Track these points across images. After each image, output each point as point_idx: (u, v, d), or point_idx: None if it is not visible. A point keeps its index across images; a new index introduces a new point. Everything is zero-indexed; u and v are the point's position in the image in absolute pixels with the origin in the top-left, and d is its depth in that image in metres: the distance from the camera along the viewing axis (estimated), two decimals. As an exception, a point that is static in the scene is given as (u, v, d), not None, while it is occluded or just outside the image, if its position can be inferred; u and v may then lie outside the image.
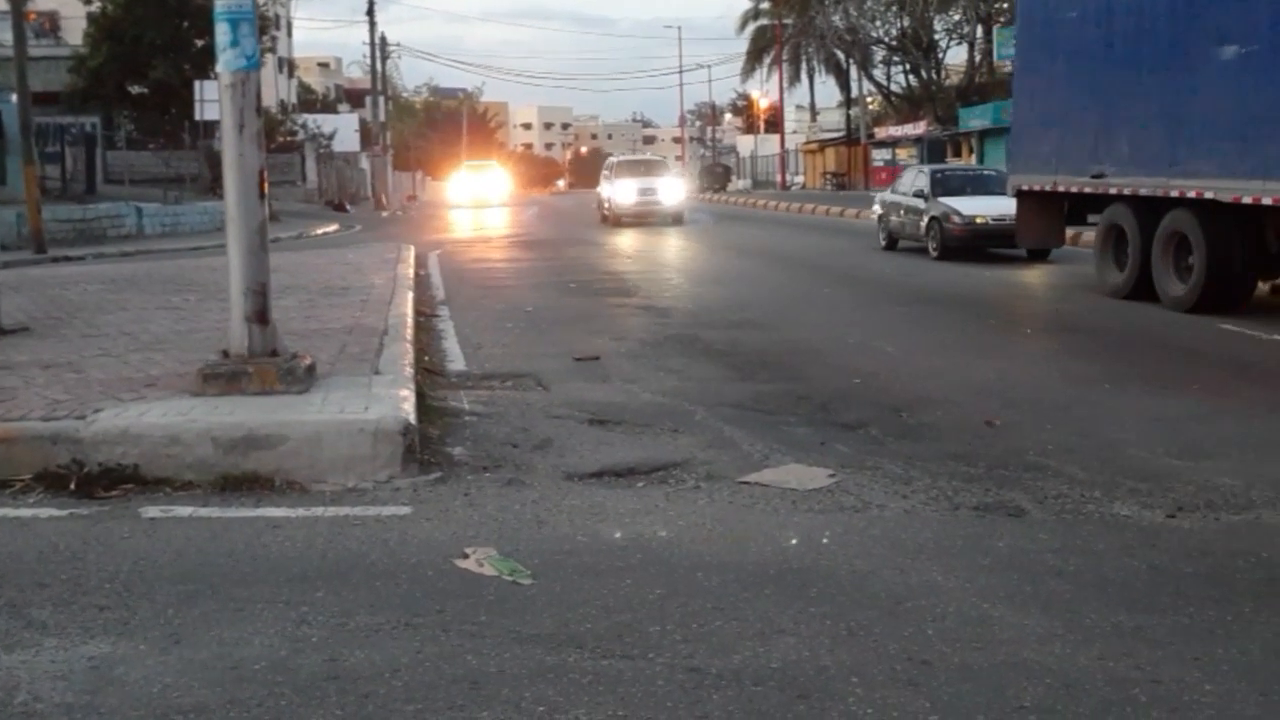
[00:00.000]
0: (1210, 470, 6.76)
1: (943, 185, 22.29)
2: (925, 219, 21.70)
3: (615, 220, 33.75)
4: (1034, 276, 18.50)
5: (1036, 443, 7.43)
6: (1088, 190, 15.61)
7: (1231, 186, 12.78)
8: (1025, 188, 17.29)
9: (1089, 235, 18.07)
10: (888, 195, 24.62)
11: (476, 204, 50.26)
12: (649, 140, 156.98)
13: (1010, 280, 17.93)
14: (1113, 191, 15.01)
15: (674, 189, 34.64)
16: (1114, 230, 15.33)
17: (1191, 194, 13.44)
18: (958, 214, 20.89)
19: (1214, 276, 13.38)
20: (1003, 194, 21.45)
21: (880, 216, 24.36)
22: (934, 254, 21.18)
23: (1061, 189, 16.31)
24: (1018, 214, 17.83)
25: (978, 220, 20.74)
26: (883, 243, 23.96)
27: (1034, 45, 17.38)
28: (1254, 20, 12.48)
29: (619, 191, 34.04)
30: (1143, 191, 14.37)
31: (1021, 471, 6.74)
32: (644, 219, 33.65)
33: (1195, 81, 13.33)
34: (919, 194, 22.37)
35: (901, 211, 23.06)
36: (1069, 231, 18.78)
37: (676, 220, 33.47)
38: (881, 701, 3.74)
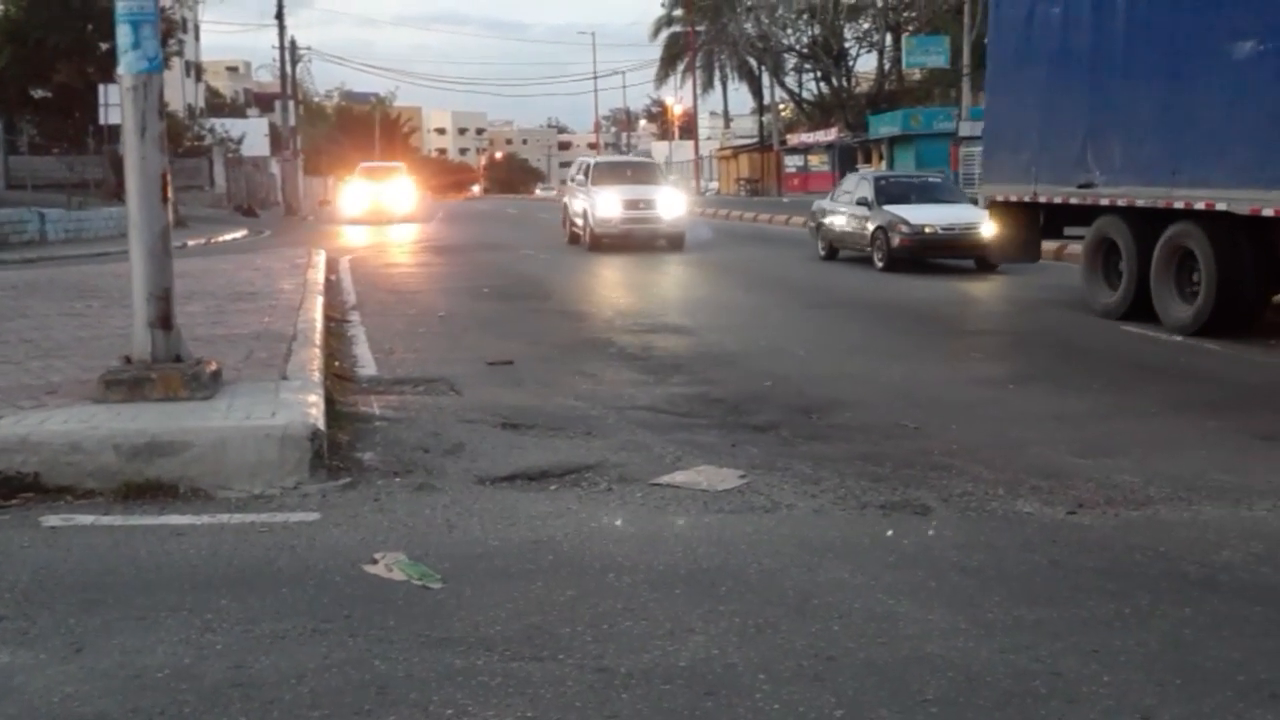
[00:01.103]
0: (1110, 468, 6.91)
1: (887, 193, 21.27)
2: (870, 228, 20.65)
3: (594, 242, 24.78)
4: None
5: (942, 442, 7.55)
6: (1073, 201, 14.31)
7: (1249, 197, 11.45)
8: (1000, 199, 16.02)
9: (1050, 246, 17.29)
10: (826, 203, 23.52)
11: (375, 216, 38.72)
12: (564, 146, 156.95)
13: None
14: (1104, 202, 13.74)
15: (673, 201, 25.48)
16: (1104, 245, 14.02)
17: (1200, 205, 12.11)
18: (905, 223, 19.92)
19: (1224, 296, 12.03)
20: (951, 202, 21.14)
21: (818, 226, 23.33)
22: (880, 265, 20.17)
23: (1043, 200, 14.96)
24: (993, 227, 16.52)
25: (927, 230, 19.85)
26: (822, 253, 22.91)
27: (1009, 45, 16.02)
28: (1275, 12, 11.23)
29: (601, 203, 24.78)
30: (1140, 203, 13.07)
31: (927, 470, 6.84)
32: (634, 241, 24.74)
33: (1203, 82, 12.06)
34: (862, 202, 21.27)
35: (843, 220, 22.01)
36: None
37: (676, 244, 24.79)
38: (788, 697, 3.78)
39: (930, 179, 24.34)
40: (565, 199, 28.58)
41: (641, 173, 27.57)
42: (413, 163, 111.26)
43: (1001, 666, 4.03)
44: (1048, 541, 5.49)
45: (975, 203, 21.84)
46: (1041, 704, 3.75)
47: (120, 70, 6.94)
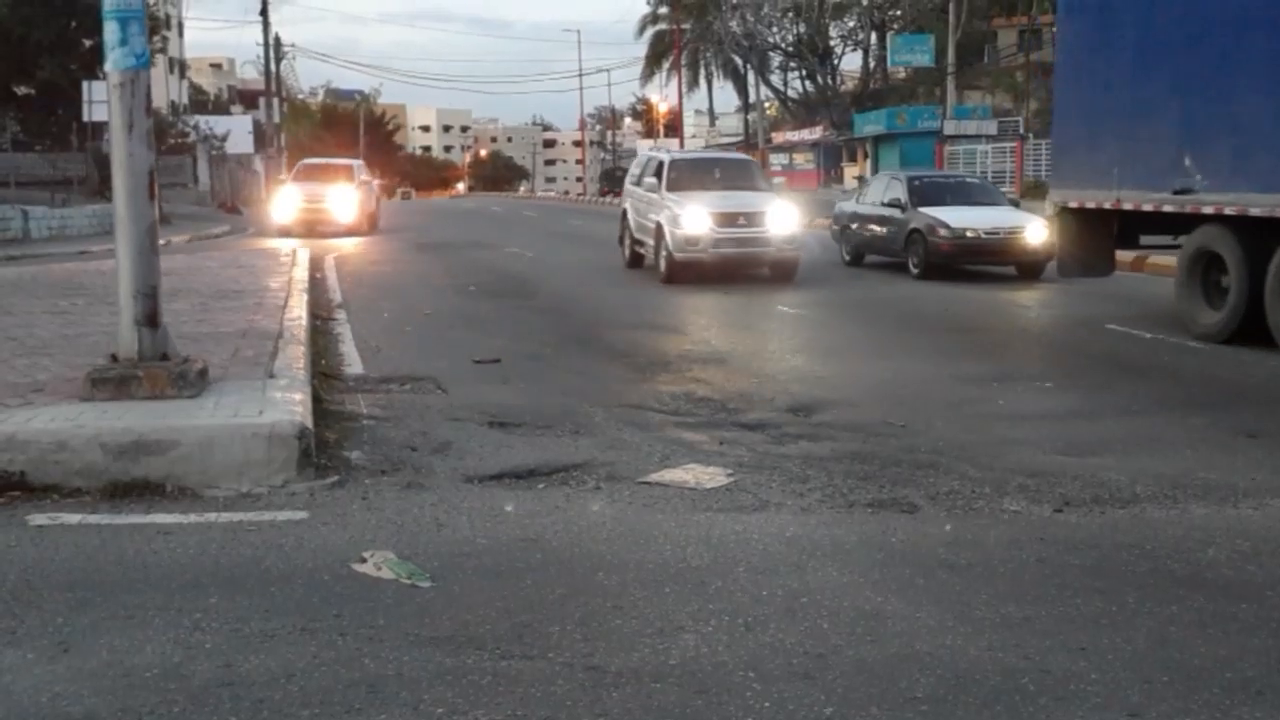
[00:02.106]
0: (1096, 466, 6.94)
1: (922, 194, 19.56)
2: (904, 232, 19.02)
3: (673, 272, 17.51)
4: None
5: (929, 441, 7.57)
6: (1167, 209, 12.39)
7: None
8: (1074, 204, 13.92)
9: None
10: (850, 205, 21.79)
11: (308, 228, 29.47)
12: (549, 144, 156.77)
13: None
14: (1207, 211, 11.96)
15: (784, 214, 17.92)
16: (1204, 259, 12.31)
17: None
18: (945, 226, 18.22)
19: None
20: (990, 204, 19.55)
21: (843, 229, 21.47)
22: (915, 271, 18.60)
23: (1128, 206, 13.02)
24: (1059, 236, 14.45)
25: (968, 234, 18.19)
26: (846, 258, 21.15)
27: (1085, 28, 13.91)
28: None
29: (687, 218, 17.44)
30: (1254, 212, 11.35)
31: (915, 469, 6.86)
32: (729, 269, 17.74)
33: None
34: (894, 204, 19.61)
35: (871, 224, 20.33)
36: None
37: (787, 273, 17.88)
38: (778, 695, 3.79)
39: (967, 179, 22.68)
40: (624, 206, 20.56)
41: (736, 173, 19.66)
42: (396, 160, 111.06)
43: (990, 664, 4.04)
44: (1035, 540, 5.51)
45: (1016, 205, 20.83)
46: (1030, 701, 3.77)
47: (108, 67, 6.92)
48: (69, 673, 4.00)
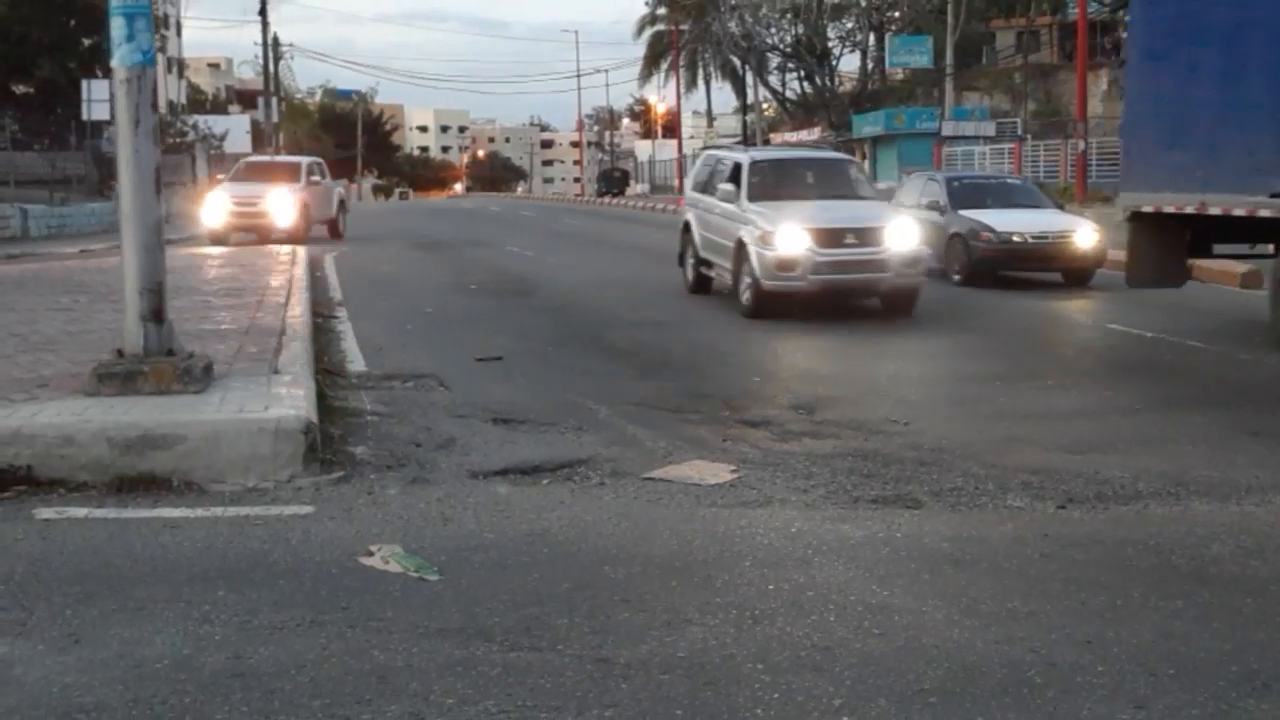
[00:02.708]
0: (1099, 463, 6.96)
1: (962, 196, 18.27)
2: (944, 236, 17.50)
3: (760, 303, 13.70)
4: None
5: (932, 438, 7.60)
6: (1263, 214, 10.97)
7: None
8: (1146, 209, 12.26)
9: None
10: None
11: (241, 232, 26.50)
12: (547, 144, 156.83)
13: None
14: None
15: (902, 230, 14.00)
16: None
17: None
18: (990, 230, 16.87)
19: None
20: (1034, 206, 18.47)
21: None
22: (956, 278, 17.18)
23: (1214, 211, 11.48)
24: (1129, 244, 12.86)
25: (1015, 238, 16.89)
26: None
27: (1163, 16, 12.45)
28: None
29: (782, 237, 13.51)
30: None
31: (918, 466, 6.88)
32: (832, 297, 14.01)
33: None
34: (933, 206, 18.20)
35: None
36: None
37: (904, 305, 14.01)
38: (787, 687, 3.81)
39: (1009, 180, 21.29)
40: (686, 218, 16.66)
41: (833, 177, 15.79)
42: (394, 160, 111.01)
43: (997, 657, 4.06)
44: (1039, 535, 5.53)
45: (1061, 208, 19.61)
46: (1038, 694, 3.79)
47: (114, 62, 6.93)
48: (79, 664, 4.01)
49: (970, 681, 3.87)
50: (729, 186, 14.83)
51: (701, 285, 15.90)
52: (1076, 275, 17.14)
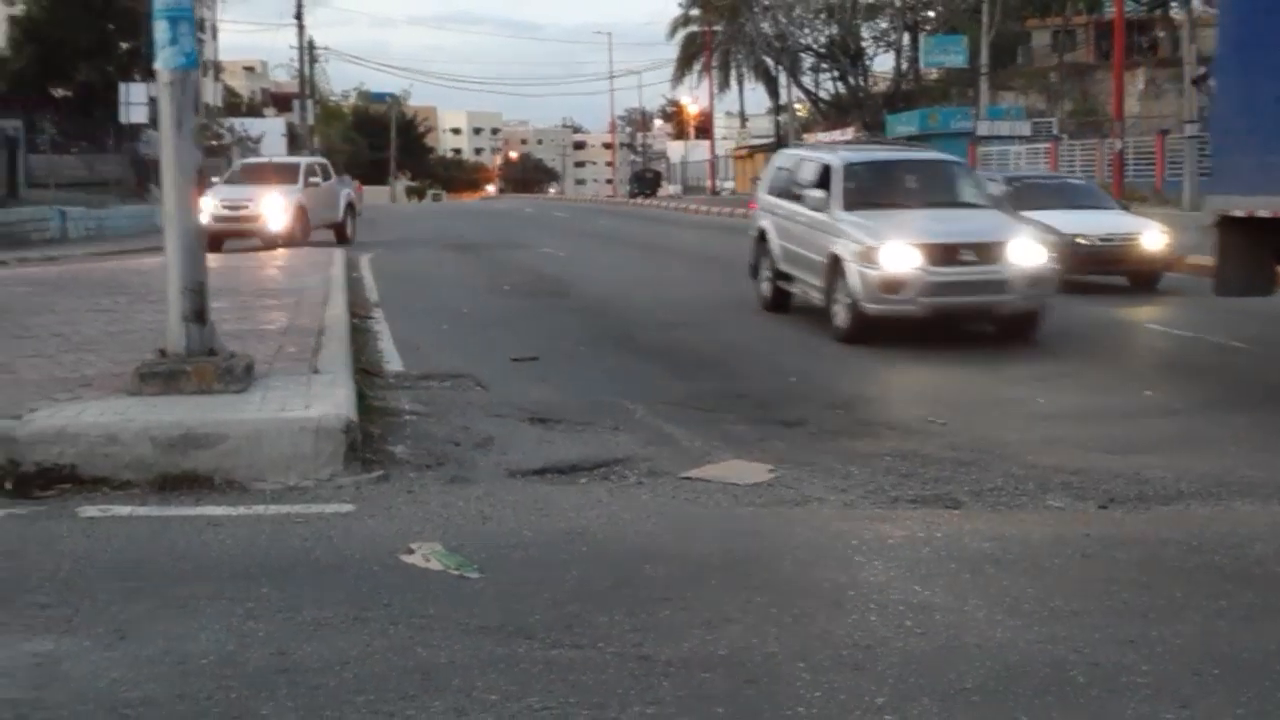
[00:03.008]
0: (1140, 464, 6.92)
1: (1023, 197, 16.57)
2: None
3: (858, 326, 11.86)
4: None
5: (971, 438, 7.57)
6: None
7: None
8: (1238, 213, 10.92)
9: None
10: None
11: (228, 237, 24.05)
12: (579, 146, 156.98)
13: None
14: None
15: (1025, 244, 12.12)
16: None
17: None
18: (1054, 233, 15.09)
19: None
20: (1099, 207, 17.37)
21: None
22: None
23: None
24: (1217, 251, 11.41)
25: (1079, 240, 15.74)
26: None
27: (1262, 2, 10.98)
28: None
29: (887, 253, 11.64)
30: None
31: (957, 467, 6.86)
32: (942, 320, 12.05)
33: None
34: None
35: None
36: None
37: (1025, 328, 12.20)
38: (829, 685, 3.80)
39: (1070, 180, 20.24)
40: (760, 224, 14.77)
41: (940, 181, 13.88)
42: (428, 162, 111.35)
43: (1039, 656, 4.05)
44: (1080, 535, 5.50)
45: (1126, 209, 18.58)
46: (1081, 693, 3.77)
47: (158, 65, 7.00)
48: (126, 660, 4.06)
49: (1013, 681, 3.85)
50: (817, 193, 12.84)
51: (779, 302, 13.97)
52: (1144, 279, 16.15)
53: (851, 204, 12.48)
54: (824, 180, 13.03)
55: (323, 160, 30.20)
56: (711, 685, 3.82)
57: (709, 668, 3.95)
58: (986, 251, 11.73)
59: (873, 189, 12.96)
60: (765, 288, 14.39)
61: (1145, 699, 3.74)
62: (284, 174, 26.50)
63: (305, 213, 25.45)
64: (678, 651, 4.08)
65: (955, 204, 13.09)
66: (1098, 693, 3.77)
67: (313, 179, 26.72)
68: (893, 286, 11.42)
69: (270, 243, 24.29)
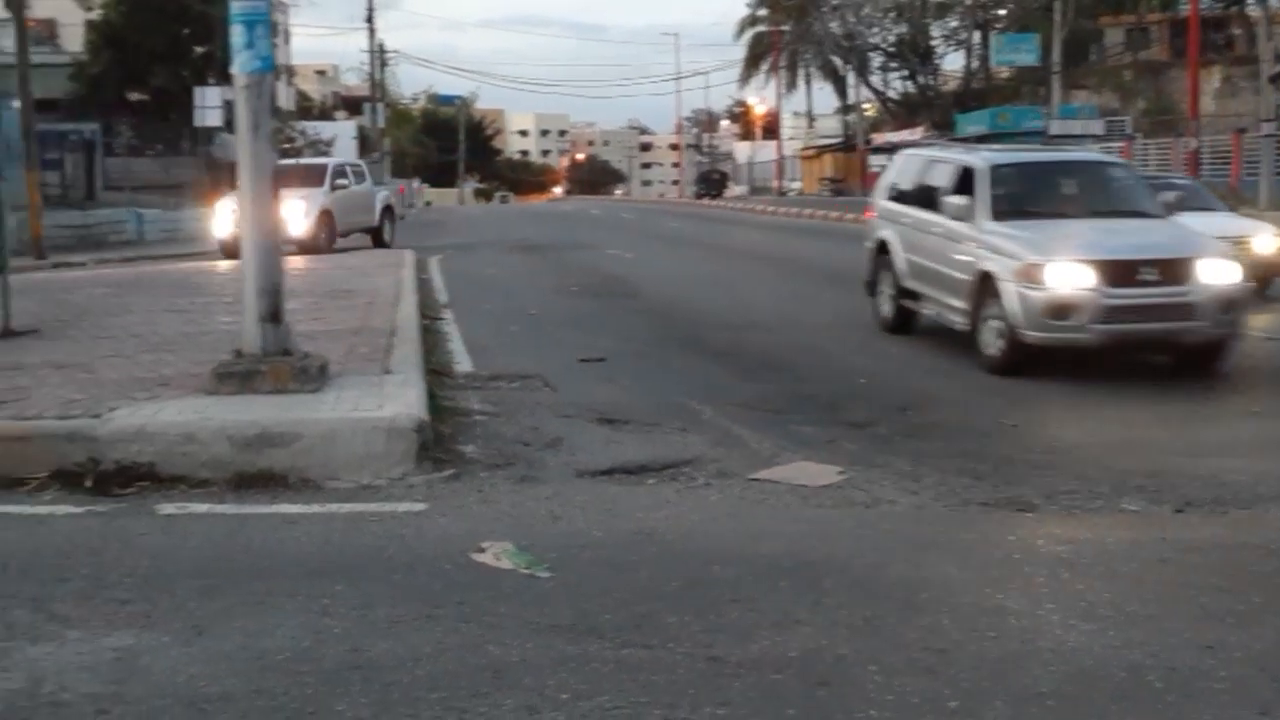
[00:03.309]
0: (1217, 467, 6.82)
1: None
2: None
3: (1013, 356, 10.02)
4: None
5: (1044, 440, 7.49)
6: None
7: None
8: None
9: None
10: None
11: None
12: (645, 147, 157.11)
13: None
14: None
15: (1215, 261, 10.14)
16: None
17: None
18: None
19: None
20: (1209, 209, 15.53)
21: None
22: None
23: None
24: None
25: None
26: None
27: None
28: None
29: (1054, 272, 9.81)
30: None
31: (1029, 469, 6.79)
32: (1116, 350, 10.25)
33: None
34: None
35: None
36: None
37: (1216, 360, 10.19)
38: (901, 689, 3.78)
39: (1175, 179, 18.75)
40: (880, 235, 13.06)
41: (1103, 185, 12.13)
42: (495, 164, 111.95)
43: (1115, 661, 4.00)
44: (1156, 539, 5.43)
45: (1233, 210, 17.47)
46: (1157, 698, 3.73)
47: (234, 69, 7.10)
48: (204, 655, 4.12)
49: (1088, 685, 3.81)
50: (959, 200, 11.17)
51: (902, 322, 12.22)
52: (1256, 284, 13.46)
53: (1001, 213, 10.82)
54: (965, 185, 11.36)
55: (354, 161, 28.78)
56: (783, 687, 3.82)
57: (780, 669, 3.95)
58: (1171, 269, 9.87)
59: (1025, 195, 11.31)
60: (886, 306, 12.51)
61: (1223, 705, 3.68)
62: (309, 176, 24.70)
63: (331, 218, 24.21)
64: (748, 653, 4.08)
65: (1123, 212, 11.19)
66: (1174, 698, 3.72)
67: (340, 181, 25.26)
68: (1061, 310, 9.66)
69: (290, 250, 21.13)
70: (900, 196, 12.84)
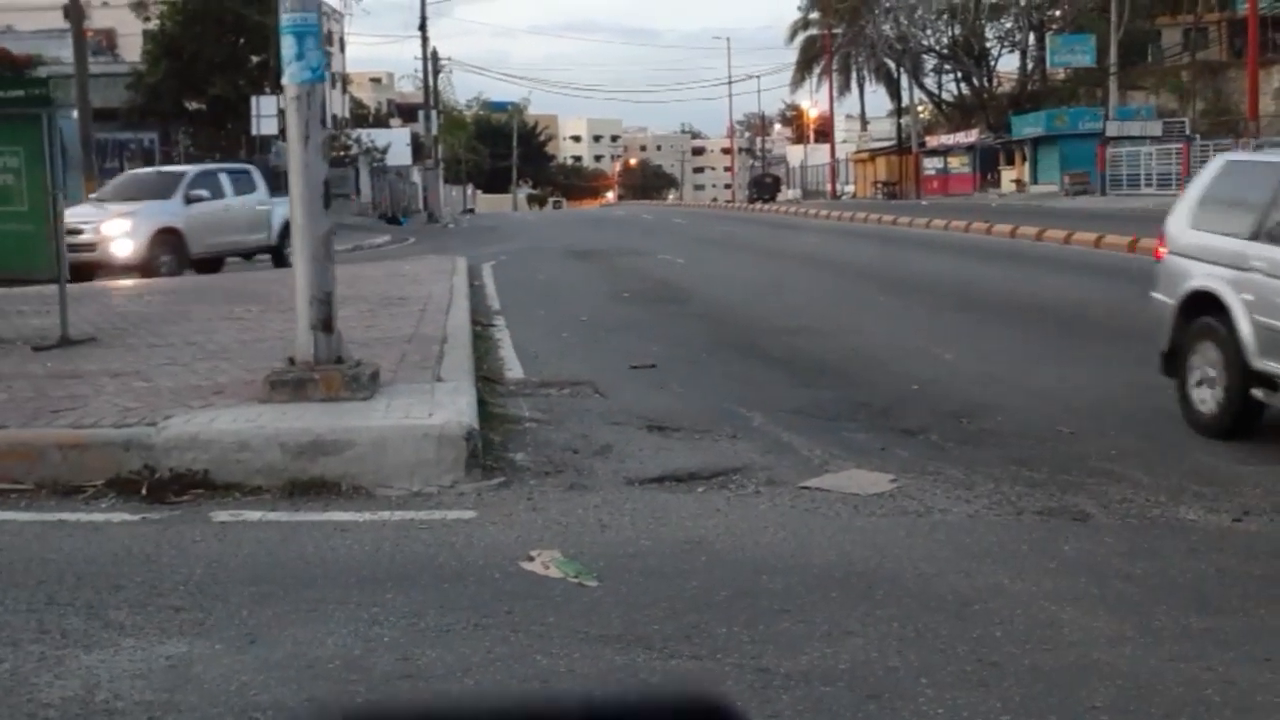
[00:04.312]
0: (1275, 475, 6.69)
1: None
2: None
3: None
4: None
5: (1099, 448, 7.39)
6: None
7: None
8: None
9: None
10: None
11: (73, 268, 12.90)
12: (698, 151, 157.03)
13: None
14: None
15: None
16: None
17: None
18: None
19: None
20: None
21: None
22: None
23: None
24: None
25: None
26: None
27: None
28: None
29: None
30: None
31: (1085, 477, 6.70)
32: None
33: None
34: None
35: None
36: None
37: None
38: (953, 702, 3.75)
39: None
40: (1206, 284, 8.03)
41: None
42: (548, 170, 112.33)
43: (1171, 674, 3.94)
44: (1214, 549, 5.35)
45: None
46: (1215, 713, 3.67)
47: (285, 80, 7.17)
48: (256, 663, 4.16)
49: (1144, 699, 3.76)
50: None
51: (1242, 420, 7.69)
52: None
53: None
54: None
55: (242, 168, 24.21)
56: (832, 699, 3.79)
57: (829, 681, 3.92)
58: None
59: None
60: (1209, 395, 7.92)
61: (1284, 721, 3.61)
62: (157, 187, 21.07)
63: (178, 237, 20.04)
64: (797, 664, 4.05)
65: None
66: (1231, 713, 3.67)
67: (198, 193, 20.76)
68: None
69: (118, 273, 19.13)
70: (1233, 227, 8.16)
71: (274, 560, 5.32)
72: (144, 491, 6.30)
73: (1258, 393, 7.56)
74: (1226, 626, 4.38)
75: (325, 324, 7.27)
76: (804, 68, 76.59)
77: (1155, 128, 43.65)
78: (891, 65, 67.80)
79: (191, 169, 22.94)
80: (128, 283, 18.60)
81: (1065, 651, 4.14)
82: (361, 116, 76.36)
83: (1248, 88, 32.69)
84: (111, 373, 8.82)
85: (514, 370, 10.52)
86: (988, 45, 62.24)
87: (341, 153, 51.10)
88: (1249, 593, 4.75)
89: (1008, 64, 65.44)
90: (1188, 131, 43.17)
